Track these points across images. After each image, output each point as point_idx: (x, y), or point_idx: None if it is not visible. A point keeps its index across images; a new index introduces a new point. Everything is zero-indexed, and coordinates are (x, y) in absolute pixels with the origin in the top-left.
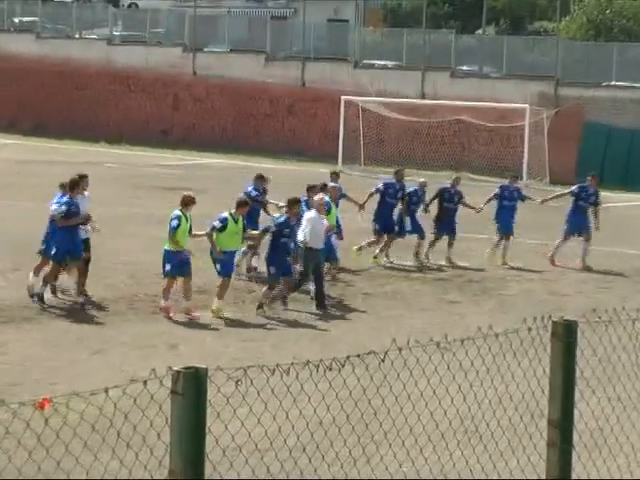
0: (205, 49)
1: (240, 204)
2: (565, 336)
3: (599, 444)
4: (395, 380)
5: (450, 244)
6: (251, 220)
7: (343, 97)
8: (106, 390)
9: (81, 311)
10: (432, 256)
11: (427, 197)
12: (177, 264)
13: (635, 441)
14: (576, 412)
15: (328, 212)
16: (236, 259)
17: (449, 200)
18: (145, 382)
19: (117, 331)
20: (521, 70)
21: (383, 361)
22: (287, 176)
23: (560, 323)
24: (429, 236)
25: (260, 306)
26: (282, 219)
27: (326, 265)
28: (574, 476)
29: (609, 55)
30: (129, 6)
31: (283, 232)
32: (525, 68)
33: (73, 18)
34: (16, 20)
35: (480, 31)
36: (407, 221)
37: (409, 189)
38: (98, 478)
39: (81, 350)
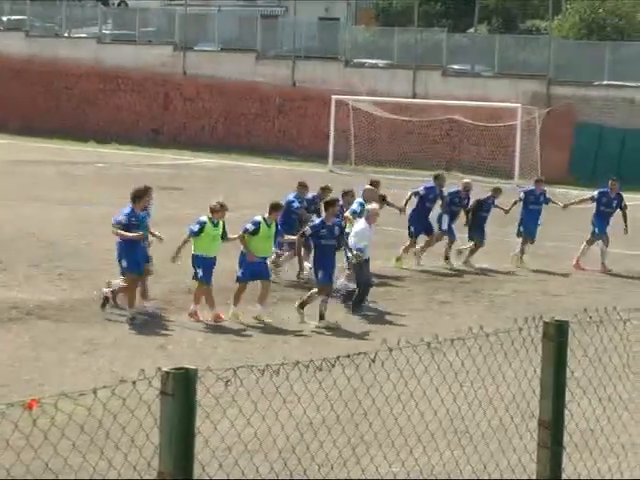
0: (195, 48)
1: (273, 207)
2: (556, 336)
3: (590, 445)
4: (385, 380)
5: (474, 250)
6: (290, 230)
7: (334, 96)
8: (94, 391)
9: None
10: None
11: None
12: (207, 269)
13: (626, 442)
14: (567, 412)
15: (359, 215)
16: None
17: (486, 210)
18: (134, 383)
19: (106, 331)
20: (513, 69)
21: (374, 361)
22: (277, 176)
23: (551, 323)
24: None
25: (302, 306)
26: (318, 221)
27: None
28: (564, 477)
29: (601, 54)
30: (119, 4)
31: (320, 234)
32: (517, 67)
33: (62, 16)
34: (4, 18)
35: (472, 30)
36: (445, 219)
37: (451, 189)
38: (87, 478)
39: (69, 351)
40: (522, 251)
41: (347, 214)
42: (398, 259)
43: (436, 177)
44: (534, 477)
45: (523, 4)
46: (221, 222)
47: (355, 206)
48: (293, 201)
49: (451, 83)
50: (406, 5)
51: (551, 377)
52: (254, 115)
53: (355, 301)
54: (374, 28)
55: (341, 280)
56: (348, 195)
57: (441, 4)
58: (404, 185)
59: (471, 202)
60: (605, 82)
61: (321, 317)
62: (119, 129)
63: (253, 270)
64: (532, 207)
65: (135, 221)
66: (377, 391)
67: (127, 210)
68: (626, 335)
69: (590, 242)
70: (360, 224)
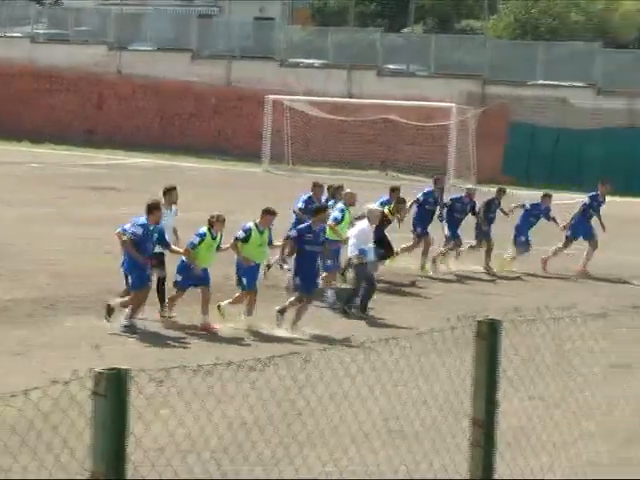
0: (130, 48)
1: (264, 213)
2: (489, 335)
3: (522, 443)
4: (319, 380)
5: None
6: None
7: (269, 96)
8: (25, 392)
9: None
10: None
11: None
12: (190, 277)
13: (557, 439)
14: (499, 411)
15: (340, 221)
16: (260, 273)
17: (493, 211)
18: (66, 383)
19: (39, 332)
20: (448, 69)
21: (306, 361)
22: (213, 176)
23: (484, 322)
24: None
25: (282, 311)
26: (304, 225)
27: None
28: (496, 476)
29: (535, 54)
30: (54, 3)
31: (305, 238)
32: (452, 67)
33: None
34: None
35: (407, 30)
36: (445, 227)
37: (453, 196)
38: (18, 479)
39: (2, 352)
40: (513, 256)
41: (330, 222)
42: (422, 268)
43: (436, 181)
44: (467, 476)
45: (458, 4)
46: (219, 234)
47: (336, 213)
48: (299, 201)
49: (386, 83)
50: (341, 5)
51: (484, 376)
52: (189, 115)
53: (362, 302)
54: (309, 28)
55: (330, 291)
56: (339, 190)
57: (376, 4)
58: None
59: (477, 206)
60: (538, 82)
61: (285, 316)
62: (53, 129)
63: (195, 277)
64: (532, 220)
65: (145, 236)
66: (310, 391)
67: (142, 221)
68: (558, 333)
69: (567, 245)
70: (361, 225)
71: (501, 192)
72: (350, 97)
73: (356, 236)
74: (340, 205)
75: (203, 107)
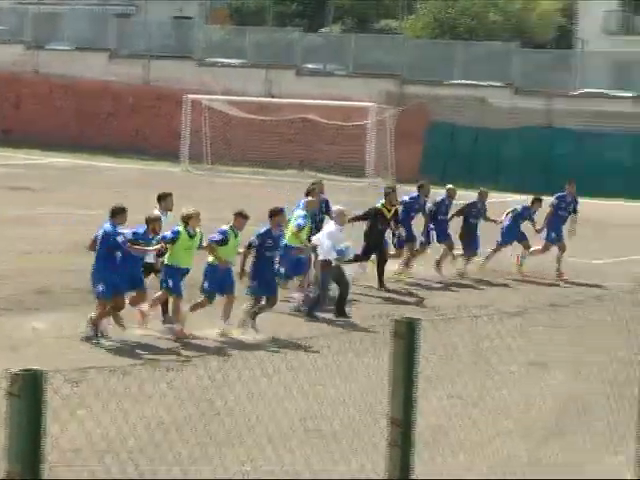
0: (47, 47)
1: (236, 215)
2: (406, 334)
3: (440, 442)
4: (237, 380)
5: (469, 260)
6: None
7: (187, 95)
8: None
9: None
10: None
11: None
12: (217, 280)
13: (476, 437)
14: (417, 410)
15: (303, 228)
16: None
17: (475, 216)
18: None
19: None
20: (367, 68)
21: (225, 361)
22: (131, 175)
23: (401, 321)
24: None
25: (242, 324)
26: (263, 230)
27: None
28: (414, 476)
29: (453, 54)
30: None
31: (266, 244)
32: (371, 66)
33: None
34: None
35: (326, 29)
36: (433, 234)
37: (437, 199)
38: None
39: None
40: (488, 257)
41: (294, 230)
42: (399, 274)
43: (420, 187)
44: (385, 476)
45: (377, 4)
46: (198, 233)
47: (300, 220)
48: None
49: (305, 82)
50: (259, 5)
51: (401, 375)
52: (107, 114)
53: (339, 303)
54: (228, 27)
55: (298, 295)
56: (317, 186)
57: (297, 4)
58: (262, 185)
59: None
60: (457, 81)
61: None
62: None
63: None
64: (521, 222)
65: (144, 244)
66: (228, 391)
67: (141, 230)
68: (476, 332)
69: (546, 248)
70: (329, 227)
71: (483, 195)
72: (269, 97)
73: (329, 237)
74: (301, 212)
75: (121, 107)
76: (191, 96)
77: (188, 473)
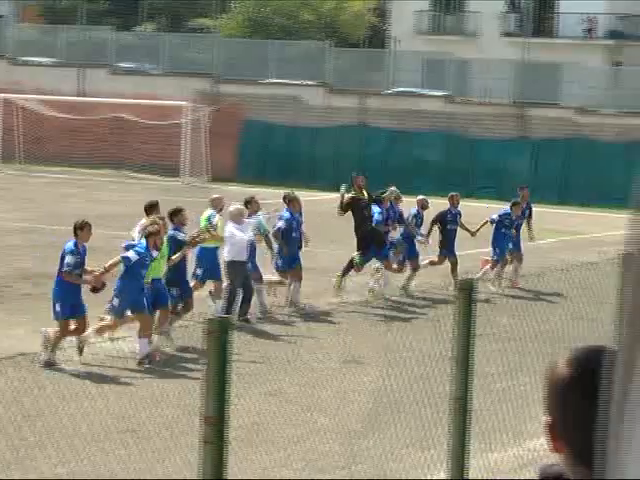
0: None
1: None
2: (220, 332)
3: (256, 440)
4: (49, 381)
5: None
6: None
7: None
8: None
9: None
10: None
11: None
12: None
13: (291, 434)
14: (232, 409)
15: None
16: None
17: (452, 222)
18: None
19: None
20: (180, 67)
21: (33, 362)
22: None
23: (215, 320)
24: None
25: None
26: (140, 247)
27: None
28: (229, 474)
29: (267, 53)
30: None
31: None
32: (184, 65)
33: None
34: None
35: (139, 28)
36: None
37: (411, 211)
38: None
39: None
40: (431, 264)
41: (211, 230)
42: (371, 291)
43: (393, 197)
44: (199, 476)
45: (190, 3)
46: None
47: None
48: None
49: (119, 81)
50: (72, 3)
51: (215, 373)
52: None
53: (242, 305)
54: (40, 25)
55: (219, 304)
56: (252, 203)
57: (109, 3)
58: (71, 183)
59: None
60: (271, 80)
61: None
62: None
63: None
64: (504, 230)
65: (147, 260)
66: (41, 392)
67: (141, 246)
68: (292, 330)
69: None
70: (228, 228)
71: (454, 199)
72: (82, 95)
73: (227, 237)
74: (211, 210)
75: None
76: (3, 95)
77: None
